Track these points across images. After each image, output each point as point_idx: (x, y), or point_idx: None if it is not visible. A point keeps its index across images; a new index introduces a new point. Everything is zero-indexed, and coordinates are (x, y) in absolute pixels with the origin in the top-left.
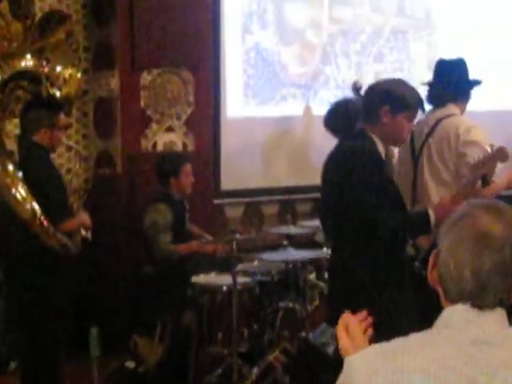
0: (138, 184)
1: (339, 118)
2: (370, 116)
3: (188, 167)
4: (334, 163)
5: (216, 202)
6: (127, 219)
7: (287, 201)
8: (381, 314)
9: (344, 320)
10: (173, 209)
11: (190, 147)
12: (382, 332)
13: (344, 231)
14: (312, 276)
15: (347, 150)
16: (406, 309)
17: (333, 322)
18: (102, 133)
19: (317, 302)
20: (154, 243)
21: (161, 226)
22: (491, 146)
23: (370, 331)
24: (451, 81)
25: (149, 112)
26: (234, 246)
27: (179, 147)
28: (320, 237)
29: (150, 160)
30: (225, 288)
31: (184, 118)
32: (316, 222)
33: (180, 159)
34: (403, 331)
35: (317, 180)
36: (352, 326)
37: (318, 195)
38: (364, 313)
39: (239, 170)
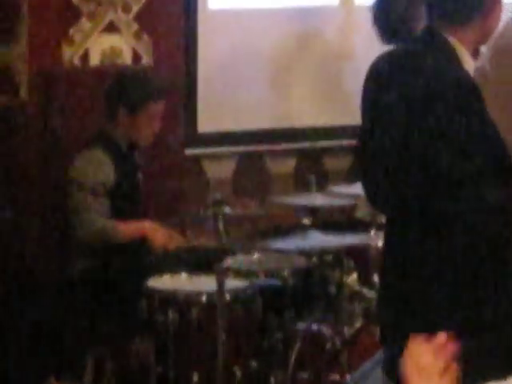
0: (56, 121)
1: (398, 8)
2: (458, 10)
3: (159, 107)
4: (397, 84)
5: (190, 152)
6: (38, 177)
7: (309, 151)
8: (473, 332)
9: (412, 351)
10: (117, 162)
11: (146, 59)
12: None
13: (411, 202)
14: (351, 278)
15: (429, 67)
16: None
17: (388, 355)
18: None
19: (359, 323)
20: (76, 215)
21: (90, 186)
22: None
23: (455, 369)
24: None
25: (77, 1)
26: (221, 228)
27: (127, 58)
28: (364, 212)
29: (78, 82)
30: (204, 298)
31: (135, 8)
32: (357, 189)
33: (150, 88)
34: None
35: (359, 118)
36: (424, 360)
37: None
38: (443, 336)
39: (228, 98)
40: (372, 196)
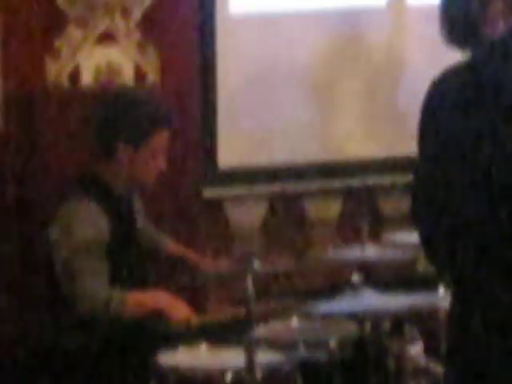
0: (37, 156)
1: (475, 7)
2: None
3: (163, 135)
4: (481, 104)
5: (209, 193)
6: (16, 231)
7: (359, 191)
8: None
9: None
10: (111, 212)
11: (152, 77)
12: None
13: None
14: (415, 350)
15: None
16: None
17: None
18: None
19: None
20: (74, 285)
21: (86, 246)
22: None
23: None
24: None
25: (62, 5)
26: (249, 288)
27: (128, 76)
28: (426, 265)
29: (67, 105)
30: (229, 377)
31: (137, 13)
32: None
33: (154, 113)
34: None
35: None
36: None
37: None
38: None
39: (255, 126)
40: (433, 252)
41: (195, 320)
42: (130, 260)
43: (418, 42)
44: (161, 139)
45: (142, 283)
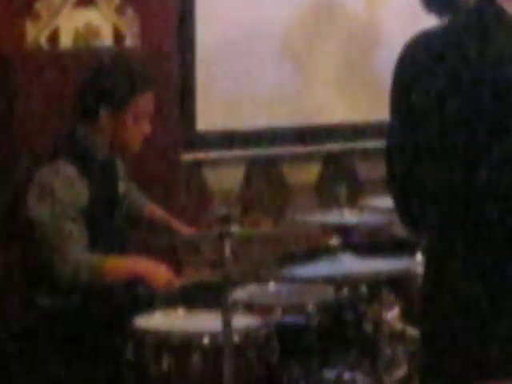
0: (15, 119)
1: None
2: None
3: (147, 99)
4: (460, 67)
5: (187, 157)
6: None
7: (337, 155)
8: None
9: None
10: (91, 176)
11: (131, 40)
12: None
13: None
14: (392, 314)
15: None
16: None
17: None
18: None
19: (402, 370)
20: (52, 250)
21: (63, 210)
22: None
23: None
24: None
25: None
26: (227, 251)
27: (106, 39)
28: (404, 229)
29: (45, 68)
30: (206, 340)
31: None
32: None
33: (137, 77)
34: None
35: None
36: None
37: None
38: None
39: (233, 90)
40: (407, 213)
41: (176, 284)
42: (110, 226)
43: (394, 8)
44: (144, 103)
45: (122, 249)
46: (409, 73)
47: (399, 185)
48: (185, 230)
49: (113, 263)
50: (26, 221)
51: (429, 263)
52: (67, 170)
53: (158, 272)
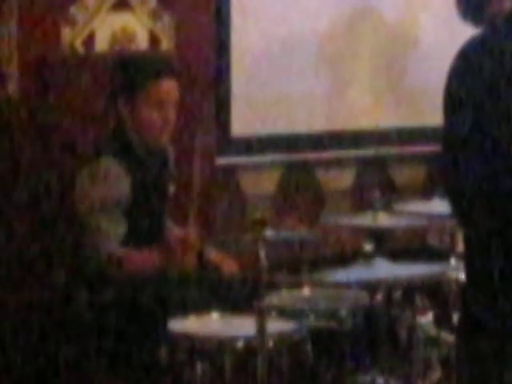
0: (53, 121)
1: None
2: None
3: (162, 86)
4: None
5: (222, 161)
6: (29, 193)
7: (372, 160)
8: None
9: None
10: (134, 172)
11: (166, 44)
12: None
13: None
14: (426, 319)
15: None
16: None
17: None
18: None
19: (437, 375)
20: (85, 241)
21: (101, 206)
22: None
23: None
24: None
25: None
26: (261, 256)
27: (142, 43)
28: (440, 238)
29: (81, 72)
30: (240, 344)
31: None
32: (432, 207)
33: (149, 63)
34: None
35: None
36: None
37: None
38: None
39: (269, 95)
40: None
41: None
42: (154, 223)
43: (431, 16)
44: (159, 89)
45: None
46: (468, 81)
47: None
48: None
49: (135, 254)
50: (71, 215)
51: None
52: (110, 165)
53: (188, 253)
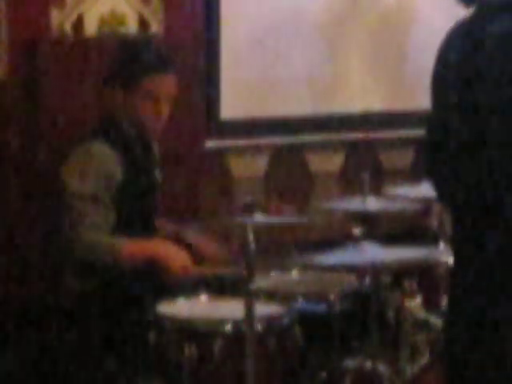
0: (42, 104)
1: None
2: None
3: (159, 81)
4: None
5: (211, 144)
6: (17, 180)
7: (361, 144)
8: None
9: None
10: (125, 156)
11: (155, 27)
12: None
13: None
14: (415, 303)
15: None
16: None
17: None
18: None
19: (424, 359)
20: (71, 229)
21: (90, 192)
22: None
23: None
24: None
25: None
26: (250, 239)
27: (131, 26)
28: (432, 220)
29: (70, 55)
30: (229, 327)
31: None
32: (421, 190)
33: (146, 57)
34: None
35: (425, 102)
36: None
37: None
38: None
39: (259, 77)
40: (448, 196)
41: (194, 269)
42: (141, 209)
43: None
44: (155, 84)
45: (150, 235)
46: (454, 64)
47: (443, 164)
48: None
49: (130, 245)
50: (57, 198)
51: (459, 247)
52: (102, 150)
53: (175, 257)
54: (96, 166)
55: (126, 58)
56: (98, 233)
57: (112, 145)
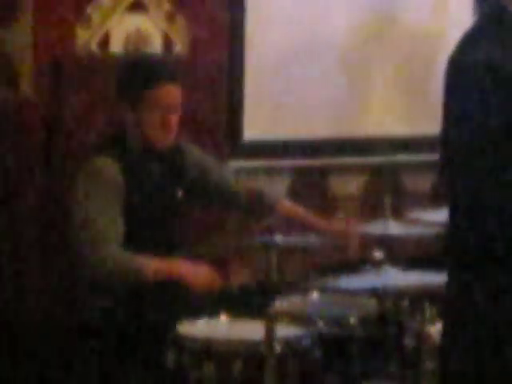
0: (67, 123)
1: None
2: None
3: (163, 90)
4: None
5: (232, 165)
6: (42, 191)
7: (384, 168)
8: None
9: None
10: (129, 170)
11: (180, 47)
12: None
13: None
14: (435, 328)
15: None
16: None
17: None
18: None
19: None
20: (89, 246)
21: (100, 205)
22: None
23: None
24: None
25: None
26: (272, 261)
27: (156, 45)
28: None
29: (96, 70)
30: (248, 349)
31: None
32: (442, 215)
33: (150, 69)
34: None
35: None
36: None
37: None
38: None
39: (282, 100)
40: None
41: (216, 288)
42: (154, 225)
43: (455, 22)
44: (160, 94)
45: (167, 249)
46: (452, 74)
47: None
48: (323, 226)
49: (154, 263)
50: (66, 216)
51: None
52: (104, 165)
53: (197, 275)
54: (98, 181)
55: (127, 73)
56: (120, 251)
57: (114, 160)
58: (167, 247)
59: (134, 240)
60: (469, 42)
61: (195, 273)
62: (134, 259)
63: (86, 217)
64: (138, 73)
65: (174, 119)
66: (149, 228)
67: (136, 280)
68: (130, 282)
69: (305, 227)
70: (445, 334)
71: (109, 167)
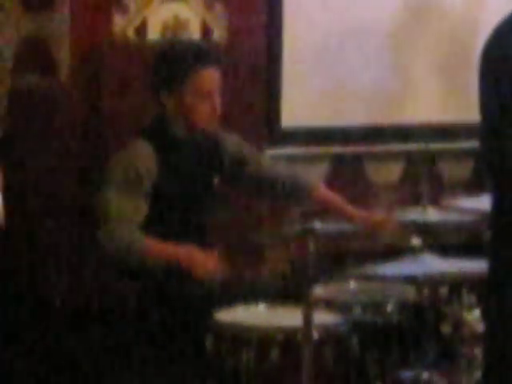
0: (104, 109)
1: None
2: None
3: (204, 75)
4: None
5: (271, 152)
6: (78, 183)
7: (421, 155)
8: None
9: None
10: (164, 152)
11: (218, 34)
12: None
13: None
14: (473, 316)
15: None
16: None
17: None
18: (33, 3)
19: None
20: (103, 223)
21: (121, 183)
22: None
23: None
24: None
25: None
26: (310, 248)
27: (194, 32)
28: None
29: (133, 57)
30: (286, 335)
31: None
32: (481, 202)
33: (190, 53)
34: None
35: None
36: None
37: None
38: None
39: (320, 87)
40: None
41: (217, 276)
42: (185, 211)
43: (493, 5)
44: (200, 79)
45: (199, 235)
46: (490, 61)
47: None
48: (359, 215)
49: (154, 245)
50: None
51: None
52: (141, 148)
53: (198, 261)
54: (129, 160)
55: (170, 58)
56: (128, 228)
57: (155, 145)
58: (199, 233)
59: (166, 225)
60: (504, 29)
61: (195, 260)
62: (141, 241)
63: (106, 195)
64: (182, 57)
65: (216, 103)
66: (182, 214)
67: (137, 261)
68: (132, 262)
69: (340, 217)
70: (488, 316)
71: (144, 152)
